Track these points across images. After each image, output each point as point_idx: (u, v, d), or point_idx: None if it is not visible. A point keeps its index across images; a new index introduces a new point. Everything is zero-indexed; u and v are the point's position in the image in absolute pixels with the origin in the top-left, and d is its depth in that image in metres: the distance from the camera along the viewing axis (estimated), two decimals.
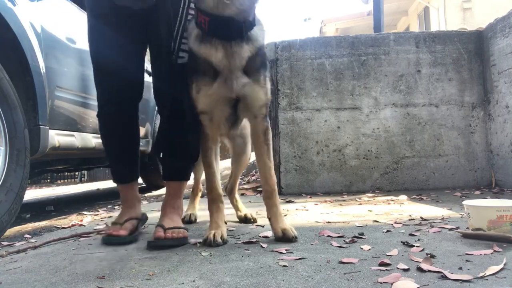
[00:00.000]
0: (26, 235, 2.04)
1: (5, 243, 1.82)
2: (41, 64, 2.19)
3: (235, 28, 1.34)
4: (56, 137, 2.39)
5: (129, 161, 1.78)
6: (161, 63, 1.59)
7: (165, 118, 1.69)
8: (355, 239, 1.47)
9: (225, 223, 1.60)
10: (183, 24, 1.44)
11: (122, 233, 1.56)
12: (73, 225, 2.18)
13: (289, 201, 2.65)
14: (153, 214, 2.43)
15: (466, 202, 1.50)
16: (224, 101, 1.43)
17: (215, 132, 1.54)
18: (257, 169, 4.67)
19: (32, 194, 6.38)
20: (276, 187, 1.57)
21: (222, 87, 1.39)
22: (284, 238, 1.47)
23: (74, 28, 2.76)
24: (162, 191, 4.49)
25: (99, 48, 1.65)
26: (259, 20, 1.45)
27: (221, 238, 1.45)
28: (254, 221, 1.88)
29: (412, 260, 1.17)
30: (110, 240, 1.55)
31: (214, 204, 1.55)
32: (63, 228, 2.09)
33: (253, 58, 1.40)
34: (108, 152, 1.79)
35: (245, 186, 3.68)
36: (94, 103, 2.91)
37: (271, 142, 1.57)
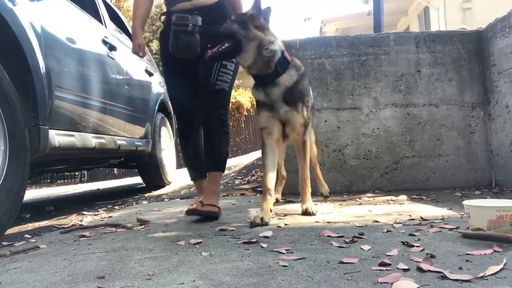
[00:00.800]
0: (26, 235, 2.04)
1: (5, 243, 1.83)
2: (41, 64, 2.19)
3: (266, 80, 1.99)
4: (56, 137, 2.39)
5: (195, 165, 2.37)
6: (204, 89, 2.20)
7: (205, 126, 2.24)
8: (355, 239, 1.47)
9: (270, 210, 2.00)
10: (219, 65, 2.16)
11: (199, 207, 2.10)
12: (73, 225, 2.18)
13: (289, 201, 2.65)
14: (153, 214, 2.43)
15: (466, 202, 1.50)
16: (273, 121, 2.04)
17: (272, 141, 2.09)
18: (257, 169, 4.66)
19: (32, 194, 6.38)
20: (308, 182, 2.14)
21: (270, 112, 2.02)
22: (306, 213, 2.06)
23: (74, 28, 2.76)
24: (162, 191, 4.49)
25: (170, 87, 2.38)
26: (294, 65, 2.03)
27: (261, 219, 1.84)
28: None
29: (412, 260, 1.17)
30: (195, 212, 2.06)
31: (264, 195, 2.03)
32: (63, 227, 2.09)
33: (288, 92, 1.98)
34: (186, 162, 2.42)
35: (245, 186, 3.68)
36: (94, 103, 2.93)
37: (308, 150, 2.14)
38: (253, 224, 1.82)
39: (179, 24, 2.10)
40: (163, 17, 2.31)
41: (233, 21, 1.95)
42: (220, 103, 2.20)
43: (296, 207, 2.36)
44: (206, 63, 2.12)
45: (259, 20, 1.93)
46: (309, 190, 2.14)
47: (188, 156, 2.36)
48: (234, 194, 3.24)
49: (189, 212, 2.13)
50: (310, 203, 2.11)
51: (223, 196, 2.67)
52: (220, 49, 1.92)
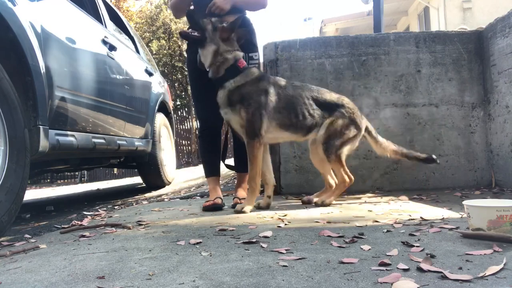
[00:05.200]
0: (26, 235, 2.04)
1: (5, 243, 1.83)
2: (41, 64, 2.19)
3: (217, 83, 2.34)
4: (56, 137, 2.39)
5: (213, 163, 2.66)
6: None
7: (235, 134, 2.51)
8: (355, 239, 1.47)
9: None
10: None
11: (218, 201, 2.43)
12: (73, 225, 2.18)
13: (289, 200, 2.65)
14: (153, 214, 2.43)
15: (466, 202, 1.50)
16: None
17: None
18: None
19: (32, 194, 6.38)
20: (252, 183, 2.33)
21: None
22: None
23: (74, 28, 2.76)
24: (162, 191, 4.50)
25: (195, 95, 2.70)
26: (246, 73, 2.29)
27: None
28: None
29: (412, 260, 1.17)
30: (214, 206, 2.38)
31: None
32: (63, 227, 2.09)
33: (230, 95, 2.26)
34: (202, 157, 2.76)
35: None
36: (94, 103, 2.93)
37: (249, 153, 2.31)
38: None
39: None
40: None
41: (211, 22, 2.30)
42: None
43: (296, 207, 2.36)
44: None
45: (227, 33, 2.29)
46: (252, 190, 2.31)
47: (207, 155, 2.67)
48: (233, 194, 3.24)
49: (233, 207, 2.39)
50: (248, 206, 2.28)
51: (224, 196, 2.67)
52: (190, 33, 2.32)
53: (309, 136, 2.38)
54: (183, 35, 2.40)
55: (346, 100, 2.44)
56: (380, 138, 2.49)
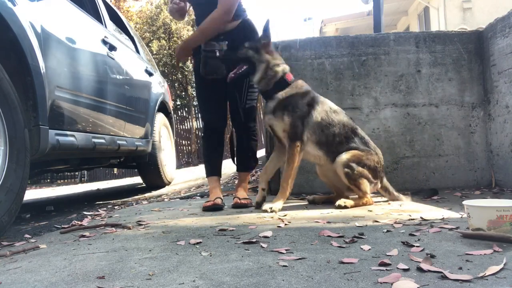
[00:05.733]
0: (26, 235, 2.04)
1: (5, 243, 1.82)
2: (41, 64, 2.19)
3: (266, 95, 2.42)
4: (56, 137, 2.39)
5: (214, 163, 2.69)
6: (236, 107, 2.59)
7: (238, 135, 2.68)
8: (355, 239, 1.47)
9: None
10: (247, 85, 2.54)
11: (218, 201, 2.43)
12: (73, 225, 2.18)
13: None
14: (153, 214, 2.43)
15: (466, 202, 1.50)
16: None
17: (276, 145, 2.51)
18: (257, 170, 4.64)
19: (32, 194, 6.38)
20: (284, 184, 2.35)
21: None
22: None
23: (74, 28, 2.76)
24: (162, 191, 4.50)
25: (201, 100, 2.72)
26: (294, 85, 2.35)
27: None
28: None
29: (412, 260, 1.17)
30: (214, 207, 2.38)
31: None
32: (63, 227, 2.09)
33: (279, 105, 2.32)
34: (204, 157, 2.77)
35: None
36: (94, 103, 2.93)
37: (290, 156, 2.33)
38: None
39: (208, 50, 2.42)
40: None
41: (247, 48, 2.35)
42: (250, 118, 2.64)
43: (296, 207, 2.36)
44: (236, 84, 2.50)
45: (269, 46, 2.36)
46: (284, 191, 2.32)
47: (209, 155, 2.70)
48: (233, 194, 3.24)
49: (233, 207, 2.47)
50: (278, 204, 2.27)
51: (224, 196, 2.67)
52: (239, 71, 2.35)
53: (335, 164, 2.33)
54: (236, 78, 2.38)
55: (374, 145, 2.43)
56: (399, 196, 2.44)
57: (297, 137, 2.29)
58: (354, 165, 2.26)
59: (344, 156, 2.28)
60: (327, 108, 2.37)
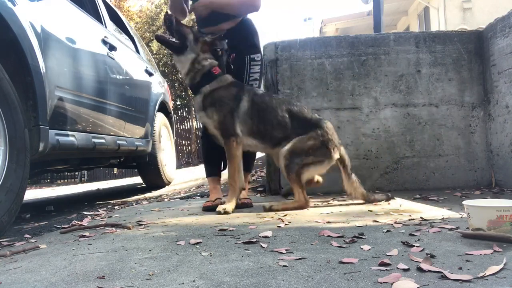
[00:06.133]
0: (26, 235, 2.04)
1: (5, 243, 1.82)
2: (41, 64, 2.19)
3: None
4: (56, 137, 2.39)
5: (214, 163, 2.70)
6: None
7: None
8: (355, 239, 1.47)
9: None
10: (249, 67, 2.58)
11: (218, 201, 2.43)
12: (73, 225, 2.18)
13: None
14: (153, 214, 2.43)
15: (466, 202, 1.50)
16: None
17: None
18: (256, 169, 4.64)
19: (32, 194, 6.38)
20: (231, 180, 2.38)
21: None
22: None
23: (74, 28, 2.76)
24: (162, 191, 4.50)
25: None
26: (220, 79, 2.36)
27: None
28: None
29: (412, 260, 1.17)
30: (214, 207, 2.35)
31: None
32: (63, 227, 2.09)
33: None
34: (204, 157, 2.79)
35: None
36: (94, 103, 2.93)
37: (228, 153, 2.38)
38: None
39: None
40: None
41: (194, 32, 2.40)
42: None
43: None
44: (238, 69, 2.52)
45: (208, 47, 2.40)
46: (233, 189, 2.36)
47: (208, 155, 2.72)
48: None
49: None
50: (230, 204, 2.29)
51: (224, 196, 2.67)
52: (169, 39, 2.37)
53: (277, 149, 2.33)
54: (160, 39, 2.43)
55: (327, 124, 2.37)
56: (353, 177, 2.38)
57: (230, 132, 2.31)
58: (293, 158, 2.25)
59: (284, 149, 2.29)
60: (255, 97, 2.35)
